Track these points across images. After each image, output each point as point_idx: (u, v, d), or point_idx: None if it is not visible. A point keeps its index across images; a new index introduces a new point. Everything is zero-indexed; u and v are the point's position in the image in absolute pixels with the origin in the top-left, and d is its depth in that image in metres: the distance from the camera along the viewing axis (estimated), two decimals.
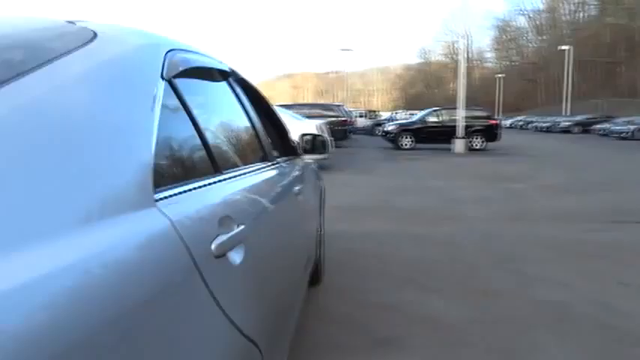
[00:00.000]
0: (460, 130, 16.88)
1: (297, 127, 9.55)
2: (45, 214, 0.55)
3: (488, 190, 7.96)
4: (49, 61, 0.73)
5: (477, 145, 17.44)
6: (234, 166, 1.34)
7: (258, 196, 1.35)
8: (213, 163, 1.13)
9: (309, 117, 13.29)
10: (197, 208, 0.89)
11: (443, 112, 18.81)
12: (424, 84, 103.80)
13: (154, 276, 0.66)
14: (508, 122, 46.84)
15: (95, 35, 0.89)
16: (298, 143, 2.78)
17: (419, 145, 17.69)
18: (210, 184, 1.03)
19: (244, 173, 1.35)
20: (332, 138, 10.61)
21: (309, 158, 3.12)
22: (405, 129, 18.32)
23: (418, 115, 20.54)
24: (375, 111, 41.34)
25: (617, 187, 8.29)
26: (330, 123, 14.76)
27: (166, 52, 1.08)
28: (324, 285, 3.29)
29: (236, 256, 0.95)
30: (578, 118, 35.91)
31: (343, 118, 18.17)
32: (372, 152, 16.47)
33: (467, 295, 3.14)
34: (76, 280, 0.52)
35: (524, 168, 11.53)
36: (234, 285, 0.93)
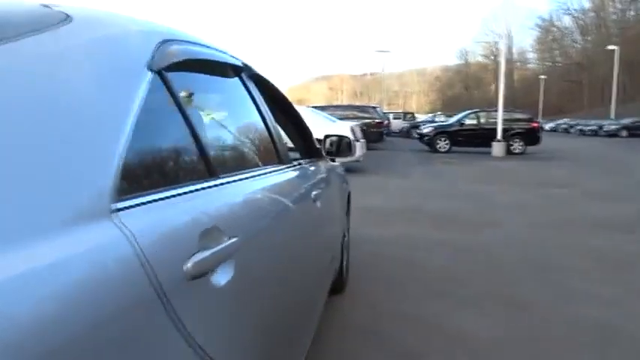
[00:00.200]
0: (499, 133, 16.36)
1: (330, 129, 9.45)
2: None
3: (528, 195, 7.61)
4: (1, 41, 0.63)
5: (516, 149, 16.87)
6: (237, 169, 1.22)
7: (263, 203, 1.23)
8: (207, 166, 1.01)
9: (344, 119, 13.15)
10: (172, 219, 0.77)
11: (481, 114, 18.32)
12: (463, 85, 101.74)
13: (96, 308, 0.54)
14: (550, 125, 45.36)
15: (68, 18, 0.79)
16: (323, 145, 2.65)
17: (456, 149, 17.27)
18: (198, 190, 0.91)
19: (250, 177, 1.22)
20: (364, 140, 10.46)
21: (337, 161, 3.00)
22: (441, 131, 17.92)
23: (455, 117, 20.09)
24: (411, 113, 40.75)
25: None
26: (364, 125, 14.59)
27: (160, 42, 0.97)
28: (348, 293, 3.14)
29: (221, 276, 0.82)
30: (626, 121, 34.33)
31: (378, 120, 17.94)
32: (407, 155, 16.17)
33: (500, 309, 2.93)
34: None
35: (566, 173, 11.04)
36: (216, 312, 0.79)
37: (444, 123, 20.34)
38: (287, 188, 1.52)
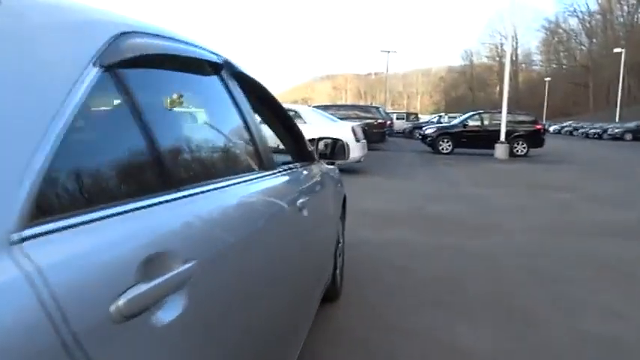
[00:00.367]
0: (502, 135, 16.19)
1: (331, 129, 9.34)
2: None
3: (531, 199, 7.47)
4: None
5: (519, 152, 16.71)
6: (205, 179, 1.07)
7: (232, 218, 1.09)
8: (163, 178, 0.88)
9: (346, 119, 13.03)
10: (101, 247, 0.64)
11: (485, 115, 18.15)
12: (467, 87, 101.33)
13: None
14: (555, 127, 45.10)
15: None
16: (315, 147, 2.53)
17: (458, 150, 17.11)
18: (145, 207, 0.77)
19: (220, 187, 1.08)
20: (365, 140, 10.32)
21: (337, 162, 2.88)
22: (444, 133, 17.76)
23: (459, 118, 19.92)
24: (415, 113, 40.52)
25: None
26: (367, 125, 14.47)
27: (116, 35, 0.85)
28: (342, 302, 3.02)
29: (167, 311, 0.69)
30: (630, 124, 34.08)
31: (381, 121, 17.78)
32: (409, 156, 16.02)
33: (501, 322, 2.80)
34: None
35: (569, 176, 10.88)
36: (159, 356, 0.67)
37: (447, 124, 20.17)
38: (266, 198, 1.38)
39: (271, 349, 1.25)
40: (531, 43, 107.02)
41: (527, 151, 16.81)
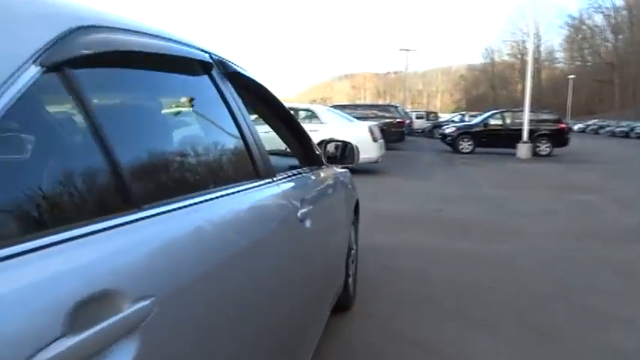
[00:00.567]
0: (525, 134, 15.80)
1: (348, 129, 9.19)
2: None
3: (554, 201, 7.20)
4: None
5: (543, 151, 16.28)
6: (182, 192, 0.93)
7: (212, 236, 0.95)
8: (124, 194, 0.75)
9: (364, 118, 12.87)
10: (17, 289, 0.51)
11: (506, 114, 17.75)
12: (488, 85, 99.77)
13: None
14: (579, 126, 44.09)
15: None
16: (323, 151, 2.40)
17: (479, 150, 16.77)
18: (93, 232, 0.64)
19: (200, 202, 0.94)
20: (382, 140, 10.14)
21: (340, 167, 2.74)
22: (464, 132, 17.43)
23: (479, 117, 19.55)
24: (434, 112, 40.02)
25: None
26: (385, 124, 14.28)
27: (73, 29, 0.73)
28: (355, 312, 2.88)
29: None
30: None
31: (399, 120, 17.55)
32: (428, 156, 15.76)
33: (522, 335, 2.63)
34: None
35: (595, 177, 10.53)
36: None
37: (467, 123, 19.81)
38: (258, 210, 1.24)
39: None
40: (554, 40, 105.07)
41: (551, 150, 16.37)
